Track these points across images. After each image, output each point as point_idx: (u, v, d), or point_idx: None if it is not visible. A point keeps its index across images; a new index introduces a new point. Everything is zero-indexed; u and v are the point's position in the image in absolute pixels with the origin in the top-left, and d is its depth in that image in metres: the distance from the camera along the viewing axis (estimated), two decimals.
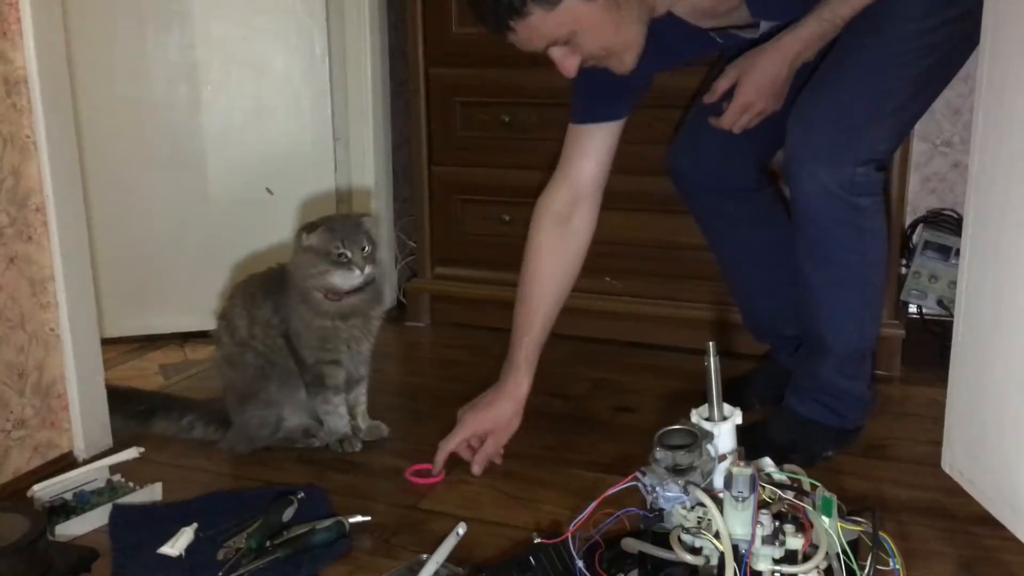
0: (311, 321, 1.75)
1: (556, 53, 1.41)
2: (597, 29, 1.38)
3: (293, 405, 1.82)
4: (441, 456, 1.68)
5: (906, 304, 2.39)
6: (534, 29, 1.35)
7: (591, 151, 1.72)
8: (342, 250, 1.68)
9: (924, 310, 2.42)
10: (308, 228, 1.71)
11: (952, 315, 1.70)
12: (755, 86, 1.59)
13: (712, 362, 1.18)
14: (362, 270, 1.70)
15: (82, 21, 2.25)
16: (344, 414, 1.81)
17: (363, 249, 1.70)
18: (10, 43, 1.60)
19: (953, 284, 2.16)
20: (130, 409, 1.88)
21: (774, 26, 1.58)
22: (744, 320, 2.05)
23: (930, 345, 2.29)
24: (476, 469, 1.68)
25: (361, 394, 1.87)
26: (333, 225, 1.71)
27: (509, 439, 1.72)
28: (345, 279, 1.70)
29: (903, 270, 2.35)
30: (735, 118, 1.64)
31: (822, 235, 1.62)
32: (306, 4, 2.47)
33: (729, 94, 1.65)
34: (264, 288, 1.80)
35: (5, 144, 1.60)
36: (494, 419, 1.69)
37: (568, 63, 1.42)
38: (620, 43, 1.42)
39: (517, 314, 1.74)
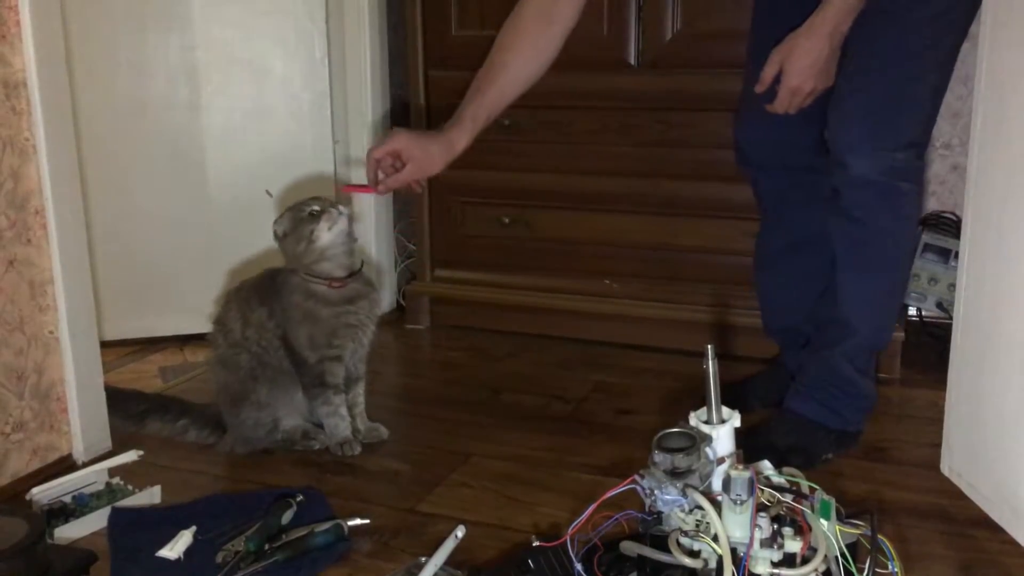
0: (320, 313, 1.76)
1: None
2: None
3: (286, 407, 1.83)
4: (371, 165, 1.69)
5: (906, 306, 2.39)
6: None
7: None
8: (312, 207, 1.75)
9: (924, 312, 2.42)
10: (276, 222, 1.78)
11: (952, 318, 1.70)
12: (798, 68, 1.62)
13: (711, 365, 1.18)
14: (340, 211, 1.75)
15: (82, 23, 2.25)
16: (345, 415, 1.82)
17: (332, 203, 1.77)
18: (9, 46, 1.60)
19: (953, 287, 2.16)
20: (126, 409, 1.88)
21: None
22: (765, 313, 2.02)
23: (930, 348, 2.29)
24: (382, 188, 1.69)
25: (359, 395, 1.87)
26: (293, 205, 1.78)
27: (422, 177, 1.71)
28: (333, 224, 1.74)
29: None
30: (787, 103, 1.66)
31: (862, 216, 1.67)
32: (306, 6, 2.48)
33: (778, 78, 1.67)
34: (258, 293, 1.81)
35: (4, 147, 1.60)
36: (422, 149, 1.67)
37: None
38: None
39: (477, 78, 1.71)
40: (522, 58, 1.70)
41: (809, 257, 1.87)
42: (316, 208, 1.74)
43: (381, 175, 1.70)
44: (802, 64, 1.61)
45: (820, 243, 1.82)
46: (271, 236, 2.17)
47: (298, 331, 1.77)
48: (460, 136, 1.69)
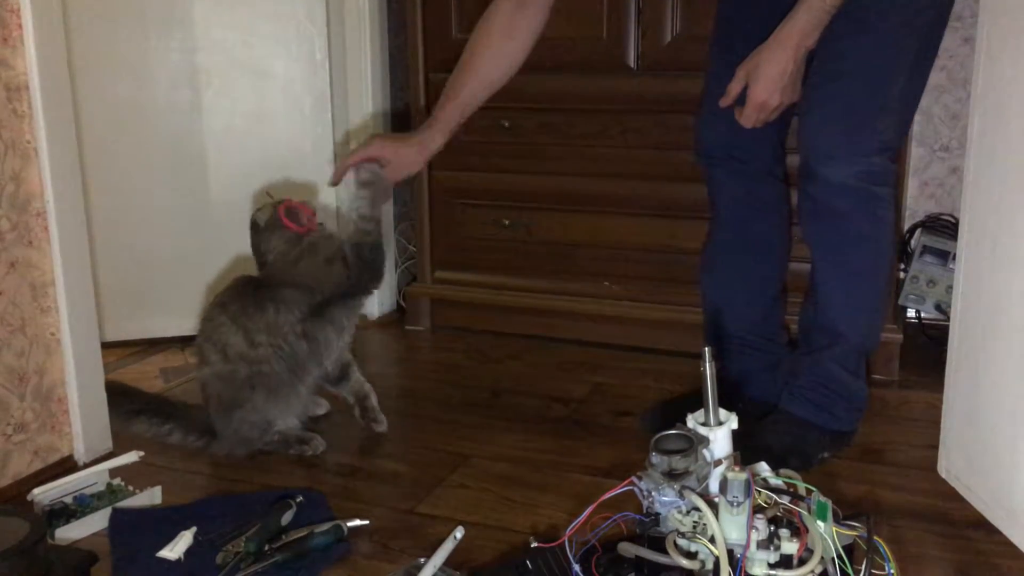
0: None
1: None
2: None
3: (281, 411, 1.83)
4: (340, 169, 1.79)
5: (904, 308, 2.39)
6: None
7: None
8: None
9: (922, 314, 2.42)
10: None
11: (950, 320, 1.71)
12: (764, 83, 1.62)
13: (708, 367, 1.19)
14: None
15: (83, 26, 2.26)
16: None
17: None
18: (11, 49, 1.61)
19: (951, 289, 2.16)
20: (119, 407, 1.87)
21: None
22: (708, 317, 1.98)
23: (928, 350, 2.30)
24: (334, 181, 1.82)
25: (358, 374, 1.93)
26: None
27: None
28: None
29: (901, 274, 2.36)
30: (753, 117, 1.67)
31: (841, 222, 1.68)
32: (307, 9, 2.49)
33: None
34: (246, 299, 1.81)
35: (6, 150, 1.61)
36: (395, 152, 1.79)
37: None
38: None
39: (451, 79, 1.81)
40: (490, 64, 1.81)
41: (762, 264, 1.89)
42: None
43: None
44: (769, 77, 1.61)
45: (773, 252, 1.86)
46: None
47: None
48: (434, 136, 1.81)
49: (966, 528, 1.51)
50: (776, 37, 1.61)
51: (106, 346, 1.96)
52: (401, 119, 2.73)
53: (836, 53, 1.63)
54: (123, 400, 1.90)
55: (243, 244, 2.45)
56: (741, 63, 1.65)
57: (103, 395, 1.83)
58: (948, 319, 2.02)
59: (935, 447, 1.71)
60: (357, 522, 1.50)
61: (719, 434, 1.19)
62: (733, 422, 1.21)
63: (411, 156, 1.80)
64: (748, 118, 1.66)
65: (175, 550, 1.42)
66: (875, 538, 1.11)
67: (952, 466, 1.66)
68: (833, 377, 1.75)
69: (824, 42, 1.62)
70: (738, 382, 1.89)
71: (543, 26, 1.81)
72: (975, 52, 1.54)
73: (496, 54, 1.79)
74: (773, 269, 1.91)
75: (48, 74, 1.65)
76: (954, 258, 2.19)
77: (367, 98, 2.60)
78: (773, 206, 1.88)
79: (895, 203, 1.74)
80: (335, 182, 1.84)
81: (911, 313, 2.46)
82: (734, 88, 1.66)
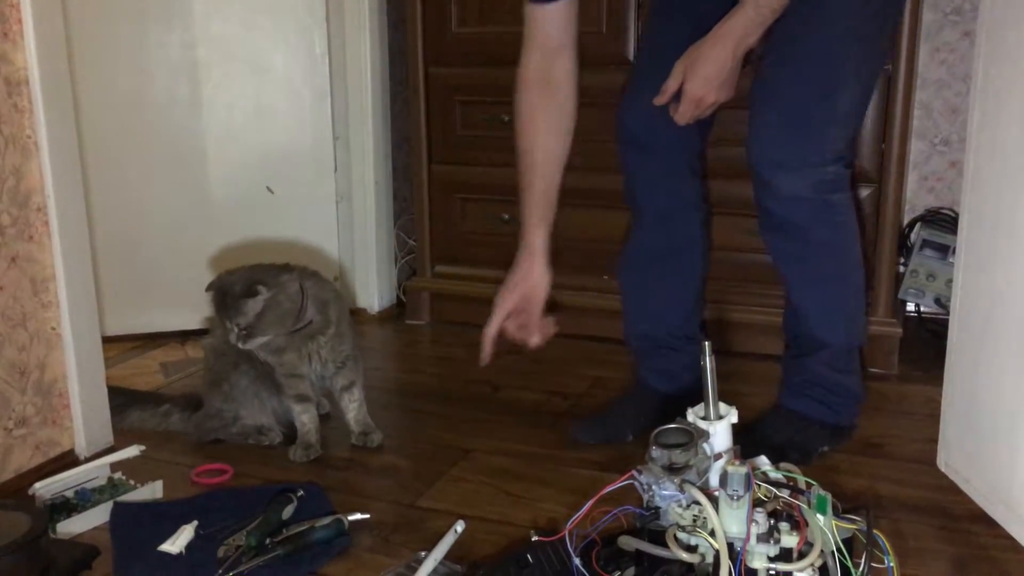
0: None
1: None
2: None
3: (251, 407, 1.84)
4: (489, 345, 1.69)
5: (904, 303, 2.39)
6: None
7: (553, 22, 1.68)
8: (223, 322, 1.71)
9: (922, 308, 2.43)
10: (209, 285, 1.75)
11: (949, 314, 1.71)
12: (702, 79, 1.57)
13: (707, 362, 1.19)
14: (239, 342, 1.70)
15: (83, 21, 2.26)
16: (306, 422, 1.80)
17: (238, 327, 1.69)
18: (11, 44, 1.60)
19: (951, 283, 2.16)
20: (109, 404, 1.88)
21: None
22: (629, 317, 1.92)
23: (928, 343, 2.30)
24: (535, 341, 1.67)
25: (352, 400, 1.84)
26: (215, 297, 1.72)
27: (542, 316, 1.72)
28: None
29: (901, 268, 2.36)
30: (689, 113, 1.62)
31: (799, 234, 1.65)
32: (306, 4, 2.48)
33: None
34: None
35: (7, 144, 1.61)
36: (526, 286, 1.69)
37: None
38: None
39: (520, 174, 1.70)
40: (542, 140, 1.70)
41: (684, 265, 1.84)
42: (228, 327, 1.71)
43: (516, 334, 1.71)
44: (707, 74, 1.56)
45: (694, 251, 1.82)
46: (271, 232, 2.17)
47: None
48: (536, 240, 1.70)
49: (965, 521, 1.52)
50: (716, 33, 1.55)
51: (107, 340, 1.97)
52: (400, 113, 2.73)
53: (787, 54, 1.58)
54: (113, 395, 1.90)
55: (243, 238, 2.47)
56: (678, 58, 1.59)
57: (104, 389, 1.83)
58: (948, 313, 2.02)
59: (935, 441, 1.71)
60: (358, 516, 1.50)
61: (719, 428, 1.19)
62: (733, 416, 1.21)
63: (537, 277, 1.70)
64: (683, 115, 1.62)
65: (176, 544, 1.42)
66: (875, 531, 1.12)
67: (951, 460, 1.66)
68: (825, 378, 1.75)
69: (773, 45, 1.58)
70: (663, 382, 1.87)
71: (576, 79, 1.72)
72: (975, 46, 1.54)
73: (543, 127, 1.70)
74: (695, 269, 1.86)
75: (48, 69, 1.65)
76: (953, 252, 2.20)
77: (367, 92, 2.59)
78: (694, 204, 1.83)
79: (855, 203, 1.71)
80: (539, 342, 1.71)
81: (911, 307, 2.46)
82: (671, 85, 1.60)
